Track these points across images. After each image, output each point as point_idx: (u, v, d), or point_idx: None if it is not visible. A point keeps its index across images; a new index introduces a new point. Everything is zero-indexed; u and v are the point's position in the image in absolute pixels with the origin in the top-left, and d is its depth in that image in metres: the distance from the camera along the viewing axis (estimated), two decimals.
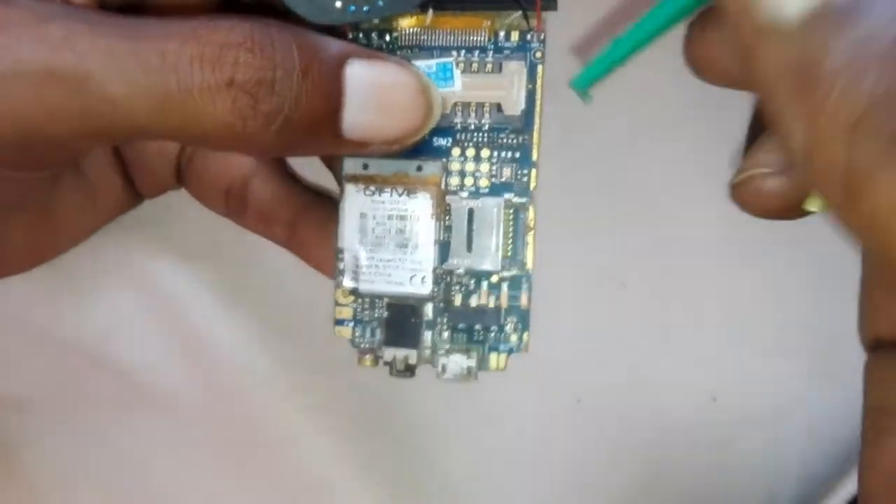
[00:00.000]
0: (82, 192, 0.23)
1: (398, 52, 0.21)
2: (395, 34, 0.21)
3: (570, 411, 0.27)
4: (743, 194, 0.18)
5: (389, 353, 0.21)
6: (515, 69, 0.20)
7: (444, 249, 0.21)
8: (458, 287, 0.21)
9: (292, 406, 0.28)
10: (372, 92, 0.19)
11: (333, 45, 0.19)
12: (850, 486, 0.26)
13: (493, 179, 0.21)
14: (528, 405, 0.28)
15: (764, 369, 0.27)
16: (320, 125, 0.19)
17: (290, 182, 0.24)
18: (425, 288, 0.21)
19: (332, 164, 0.23)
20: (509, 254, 0.21)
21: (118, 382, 0.27)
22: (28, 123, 0.17)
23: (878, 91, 0.12)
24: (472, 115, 0.21)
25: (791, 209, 0.18)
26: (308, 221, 0.24)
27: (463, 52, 0.21)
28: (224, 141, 0.18)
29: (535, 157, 0.21)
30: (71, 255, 0.27)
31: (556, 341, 0.27)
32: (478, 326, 0.21)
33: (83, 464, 0.28)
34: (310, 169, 0.25)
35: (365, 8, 0.20)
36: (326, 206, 0.24)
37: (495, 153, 0.21)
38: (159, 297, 0.27)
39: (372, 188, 0.21)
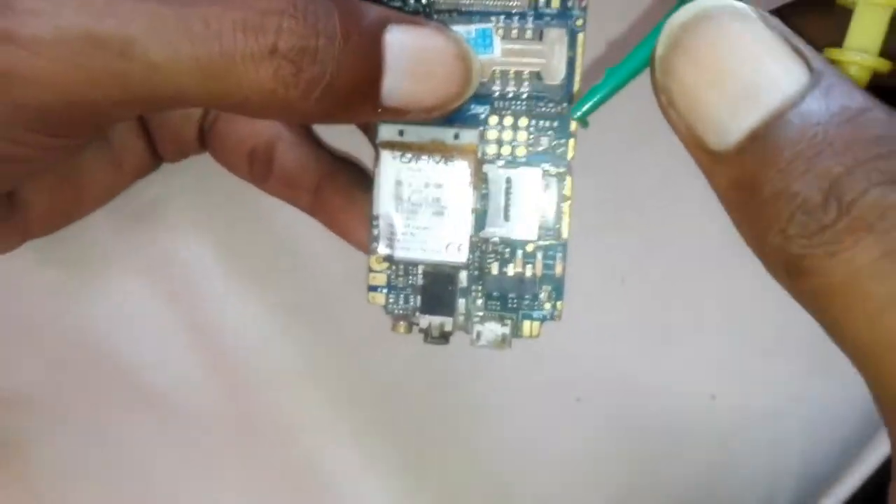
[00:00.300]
0: (105, 155, 0.23)
1: (435, 17, 0.20)
2: None
3: (570, 410, 0.27)
4: None
5: (425, 320, 0.21)
6: (556, 37, 0.20)
7: (480, 218, 0.21)
8: (493, 255, 0.21)
9: (298, 402, 0.27)
10: (411, 58, 0.19)
11: (372, 11, 0.19)
12: (848, 485, 0.26)
13: (530, 148, 0.21)
14: (527, 404, 0.27)
15: (763, 368, 0.27)
16: (360, 93, 0.18)
17: (314, 148, 0.24)
18: (461, 256, 0.21)
19: (368, 129, 0.23)
20: (545, 223, 0.21)
21: (121, 379, 0.27)
22: (70, 90, 0.17)
23: (798, 201, 0.14)
24: (511, 83, 0.20)
25: None
26: (333, 188, 0.23)
27: (503, 17, 0.20)
28: (265, 108, 0.18)
29: (572, 126, 0.20)
30: (77, 246, 0.26)
31: (556, 340, 0.27)
32: (512, 294, 0.21)
33: (84, 462, 0.27)
34: (333, 135, 0.25)
35: None
36: (351, 172, 0.24)
37: (533, 122, 0.21)
38: (165, 287, 0.27)
39: (408, 155, 0.21)
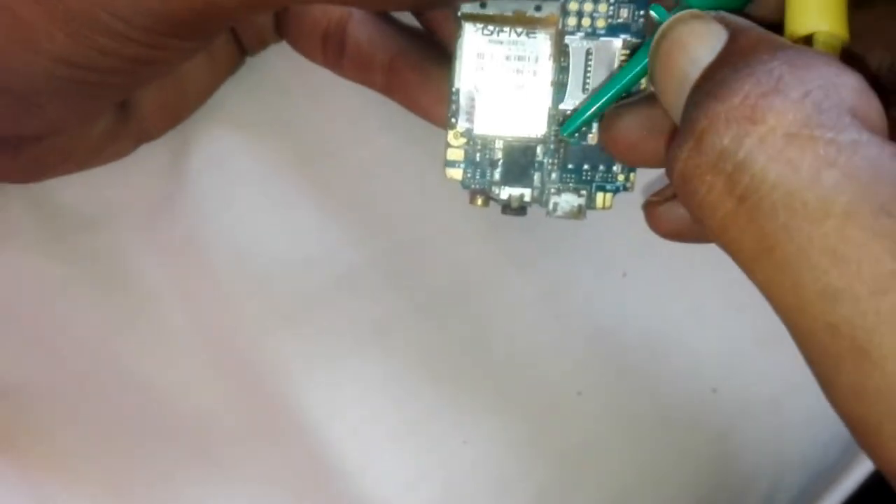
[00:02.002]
0: (202, 53, 0.23)
1: None
2: None
3: (571, 403, 0.27)
4: (646, 216, 0.21)
5: (505, 192, 0.22)
6: None
7: (559, 90, 0.21)
8: None
9: (303, 397, 0.27)
10: None
11: None
12: (854, 477, 0.26)
13: (611, 20, 0.21)
14: (528, 397, 0.27)
15: (764, 359, 0.27)
16: None
17: (386, 24, 0.24)
18: (540, 129, 0.21)
19: (424, 16, 0.23)
20: (624, 94, 0.21)
21: (126, 377, 0.26)
22: None
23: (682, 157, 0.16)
24: None
25: (684, 234, 0.21)
26: (407, 64, 0.23)
27: None
28: None
29: None
30: (87, 241, 0.26)
31: (557, 333, 0.27)
32: (586, 167, 0.22)
33: (88, 459, 0.26)
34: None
35: None
36: (425, 47, 0.24)
37: None
38: (171, 284, 0.26)
39: (490, 27, 0.21)
